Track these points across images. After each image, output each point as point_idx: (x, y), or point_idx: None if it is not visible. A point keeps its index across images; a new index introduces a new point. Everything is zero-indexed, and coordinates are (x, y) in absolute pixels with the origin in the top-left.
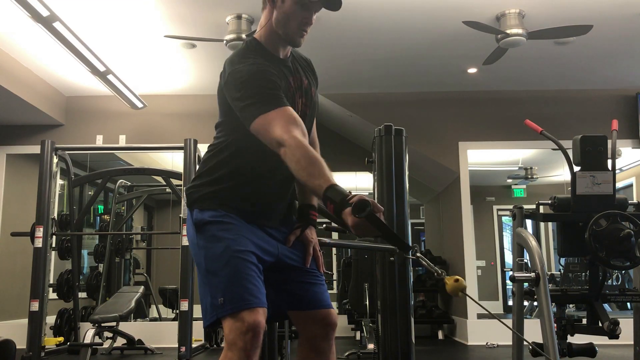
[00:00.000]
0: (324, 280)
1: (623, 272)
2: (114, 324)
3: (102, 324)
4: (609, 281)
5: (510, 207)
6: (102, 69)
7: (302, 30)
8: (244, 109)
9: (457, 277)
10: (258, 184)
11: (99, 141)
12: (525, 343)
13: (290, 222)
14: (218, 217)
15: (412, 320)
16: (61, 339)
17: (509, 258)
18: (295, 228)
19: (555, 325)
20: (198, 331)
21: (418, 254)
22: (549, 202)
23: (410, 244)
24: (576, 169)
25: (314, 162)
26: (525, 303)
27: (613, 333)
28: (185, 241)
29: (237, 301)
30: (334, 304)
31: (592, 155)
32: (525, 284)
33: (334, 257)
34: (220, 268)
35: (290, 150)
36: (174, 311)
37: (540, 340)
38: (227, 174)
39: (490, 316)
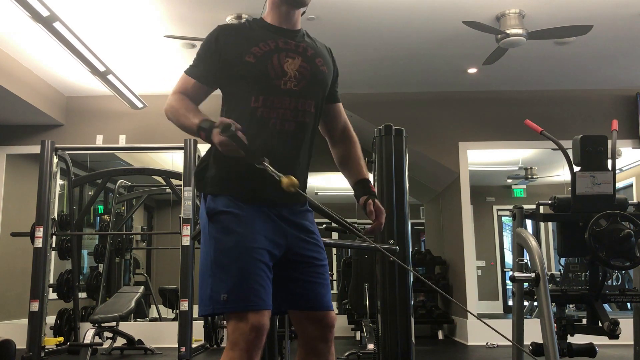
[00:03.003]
0: (328, 280)
1: (623, 272)
2: (114, 324)
3: (102, 324)
4: (609, 281)
5: (510, 207)
6: (102, 69)
7: None
8: None
9: (292, 176)
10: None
11: (99, 141)
12: (525, 343)
13: (303, 200)
14: (231, 206)
15: (412, 320)
16: (61, 339)
17: (509, 258)
18: (366, 201)
19: (555, 325)
20: (198, 331)
21: (265, 163)
22: (549, 202)
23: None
24: (576, 169)
25: (183, 109)
26: (525, 303)
27: (613, 333)
28: (185, 241)
29: (242, 301)
30: (334, 304)
31: (592, 155)
32: (525, 284)
33: (334, 257)
34: (229, 263)
35: (167, 107)
36: (174, 311)
37: (540, 340)
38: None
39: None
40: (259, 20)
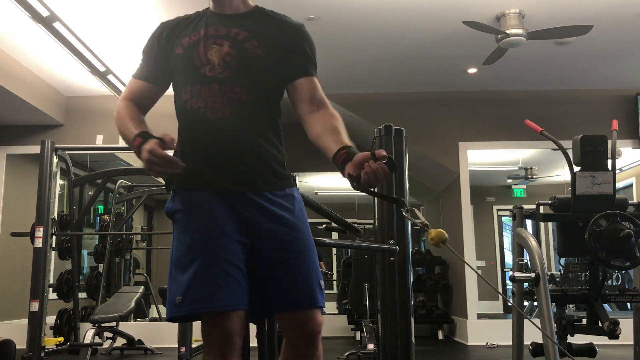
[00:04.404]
0: (309, 269)
1: (623, 272)
2: (114, 324)
3: (102, 324)
4: (609, 281)
5: (510, 207)
6: (102, 69)
7: None
8: None
9: (441, 230)
10: (200, 140)
11: (99, 141)
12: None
13: (266, 188)
14: (185, 201)
15: (412, 320)
16: (61, 339)
17: (509, 258)
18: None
19: (555, 325)
20: (198, 331)
21: (405, 213)
22: (549, 202)
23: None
24: (576, 169)
25: (127, 118)
26: (525, 303)
27: (613, 333)
28: None
29: (197, 302)
30: (334, 304)
31: (592, 155)
32: (525, 284)
33: (334, 257)
34: (185, 264)
35: (115, 114)
36: None
37: (540, 340)
38: (180, 146)
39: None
40: (206, 9)
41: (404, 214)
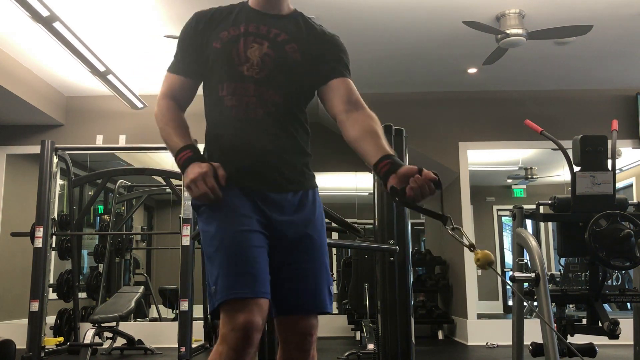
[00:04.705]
0: (318, 273)
1: (623, 272)
2: (114, 324)
3: (102, 324)
4: (609, 281)
5: (510, 207)
6: (102, 69)
7: None
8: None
9: (487, 251)
10: (230, 139)
11: (99, 141)
12: (525, 343)
13: (292, 188)
14: None
15: (412, 320)
16: (61, 339)
17: (509, 258)
18: (408, 175)
19: (555, 325)
20: (198, 331)
21: (450, 230)
22: (549, 202)
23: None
24: (576, 169)
25: (172, 123)
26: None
27: (613, 333)
28: (185, 241)
29: (227, 290)
30: (334, 304)
31: (592, 155)
32: (525, 284)
33: (334, 257)
34: (214, 253)
35: (157, 113)
36: (174, 311)
37: (540, 340)
38: (208, 143)
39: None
40: (245, 4)
41: (449, 231)
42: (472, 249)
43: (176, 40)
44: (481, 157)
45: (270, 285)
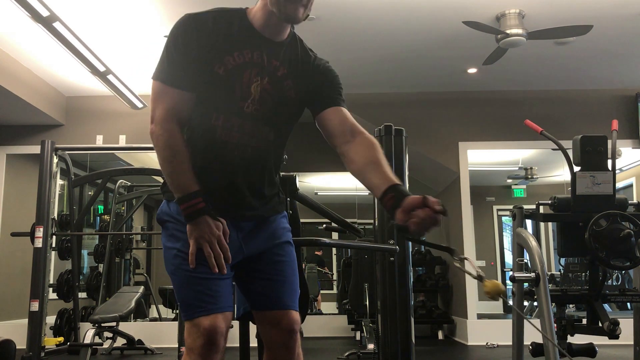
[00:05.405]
0: (291, 278)
1: (623, 272)
2: (114, 324)
3: (102, 324)
4: (609, 281)
5: (510, 207)
6: (102, 69)
7: (293, 3)
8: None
9: (496, 281)
10: (211, 166)
11: (99, 141)
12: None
13: (268, 214)
14: (179, 213)
15: (412, 320)
16: (61, 339)
17: (509, 258)
18: (416, 205)
19: (555, 325)
20: None
21: (457, 263)
22: (549, 202)
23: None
24: (576, 169)
25: (184, 159)
26: (525, 303)
27: (613, 333)
28: None
29: (190, 308)
30: (334, 304)
31: (592, 155)
32: (525, 284)
33: (334, 257)
34: (174, 270)
35: (162, 141)
36: (174, 311)
37: (540, 340)
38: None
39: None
40: (242, 16)
41: (456, 265)
42: (481, 280)
43: None
44: (481, 157)
45: (245, 285)
